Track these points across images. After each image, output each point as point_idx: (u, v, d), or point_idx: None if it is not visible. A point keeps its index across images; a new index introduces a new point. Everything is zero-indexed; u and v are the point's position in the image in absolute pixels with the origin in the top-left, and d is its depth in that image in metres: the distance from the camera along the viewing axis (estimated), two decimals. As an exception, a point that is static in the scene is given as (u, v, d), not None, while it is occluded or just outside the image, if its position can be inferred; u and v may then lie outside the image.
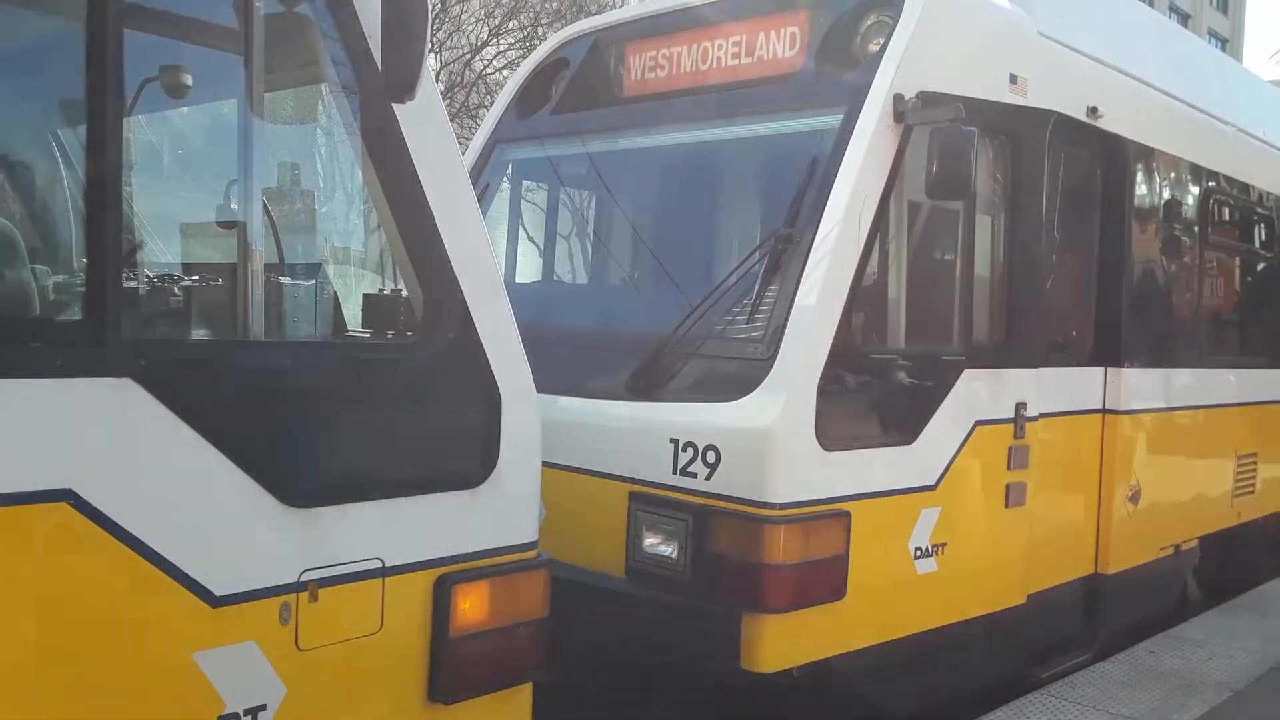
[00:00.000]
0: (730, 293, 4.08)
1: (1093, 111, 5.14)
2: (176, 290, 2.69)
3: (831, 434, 3.84)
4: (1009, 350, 4.65)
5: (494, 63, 21.98)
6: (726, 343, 4.03)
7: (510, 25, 22.13)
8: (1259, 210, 7.29)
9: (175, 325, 2.68)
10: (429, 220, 2.72)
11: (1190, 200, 6.27)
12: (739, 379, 3.87)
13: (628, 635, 4.02)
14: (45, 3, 2.85)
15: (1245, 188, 6.98)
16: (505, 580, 2.85)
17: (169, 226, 3.19)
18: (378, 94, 2.61)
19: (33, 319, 2.44)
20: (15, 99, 3.03)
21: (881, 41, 4.23)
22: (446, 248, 2.74)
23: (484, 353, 2.80)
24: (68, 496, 2.09)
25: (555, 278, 5.68)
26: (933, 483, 4.28)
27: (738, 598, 3.75)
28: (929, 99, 4.07)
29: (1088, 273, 5.42)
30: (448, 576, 2.72)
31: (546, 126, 5.33)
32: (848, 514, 3.90)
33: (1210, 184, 6.47)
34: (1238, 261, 7.26)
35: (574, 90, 5.28)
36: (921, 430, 4.22)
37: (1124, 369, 5.40)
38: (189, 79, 3.08)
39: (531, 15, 22.12)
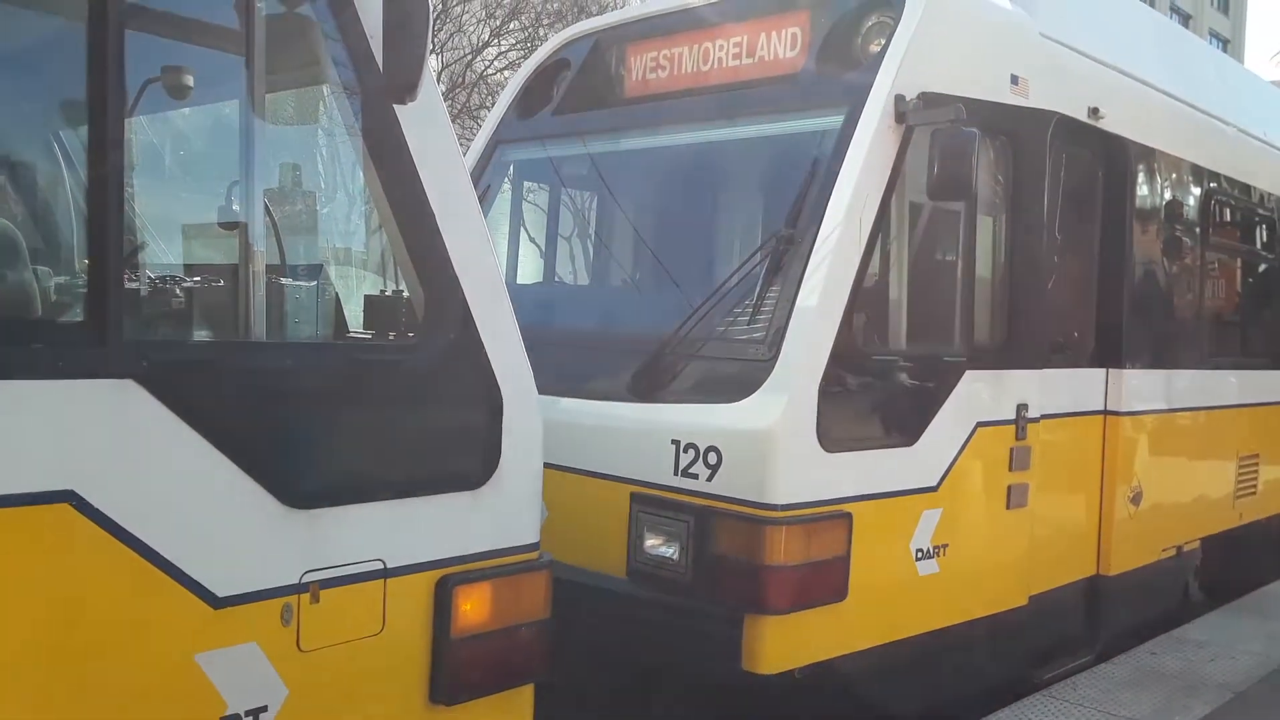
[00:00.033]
0: (731, 294, 4.08)
1: (1094, 112, 5.14)
2: (178, 291, 2.69)
3: (833, 435, 3.84)
4: (1010, 351, 4.65)
5: (495, 63, 22.00)
6: (728, 344, 4.03)
7: (511, 26, 22.15)
8: (1260, 211, 7.29)
9: (177, 326, 2.68)
10: (430, 221, 2.72)
11: (1191, 201, 6.27)
12: (740, 380, 3.86)
13: (629, 636, 4.02)
14: (46, 3, 2.85)
15: (1246, 188, 6.98)
16: (507, 581, 2.85)
17: (171, 227, 3.19)
18: (379, 95, 2.61)
19: (34, 320, 2.44)
20: (17, 99, 3.03)
21: (882, 42, 4.22)
22: (448, 248, 2.74)
23: (485, 354, 2.80)
24: (69, 498, 2.09)
25: (556, 279, 5.68)
26: (934, 484, 4.28)
27: (739, 599, 3.75)
28: (930, 100, 4.07)
29: (1089, 273, 5.42)
30: (449, 578, 2.71)
31: (548, 127, 5.33)
32: (849, 515, 3.89)
33: (1211, 185, 6.47)
34: (1239, 262, 7.26)
35: (575, 91, 5.28)
36: (923, 431, 4.22)
37: (1125, 370, 5.40)
38: (190, 80, 3.08)
39: (533, 16, 22.14)
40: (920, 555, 4.24)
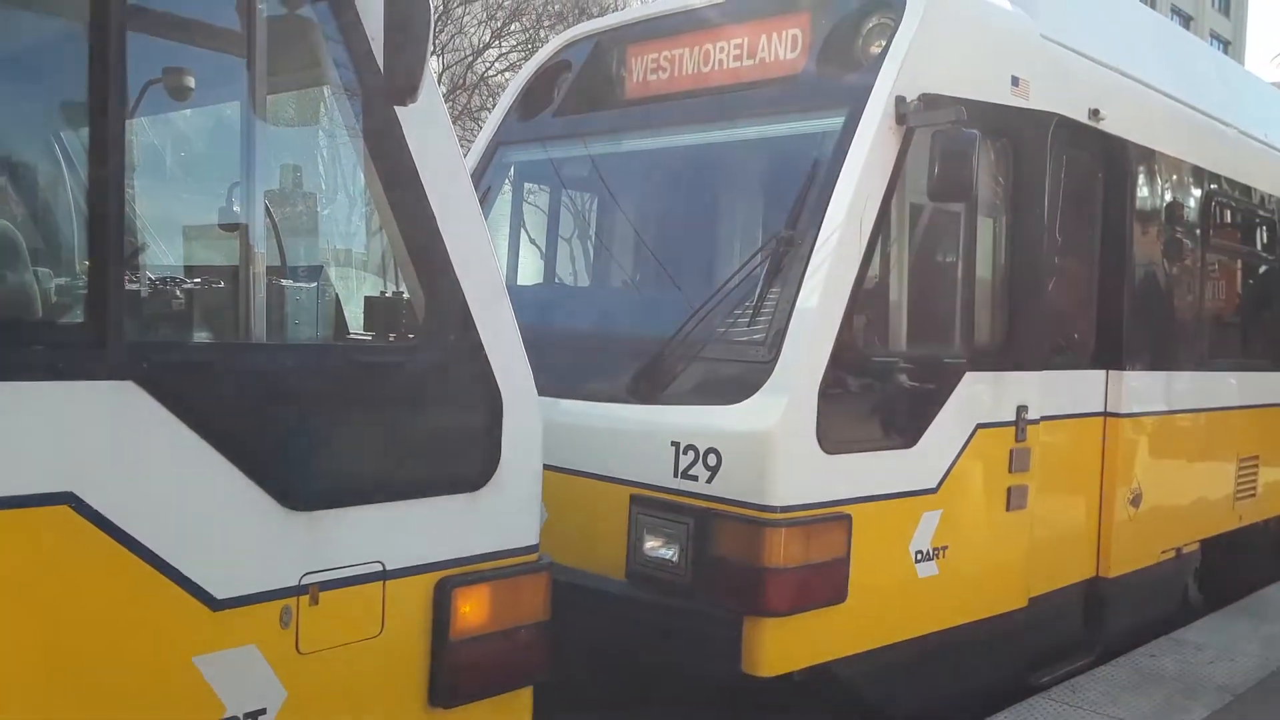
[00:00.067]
0: (732, 295, 4.08)
1: (1094, 114, 5.14)
2: (178, 293, 2.69)
3: (833, 437, 3.84)
4: (1010, 353, 4.65)
5: (496, 65, 22.01)
6: (728, 345, 4.02)
7: (512, 28, 22.16)
8: (1260, 213, 7.29)
9: (177, 328, 2.68)
10: (431, 222, 2.72)
11: (1192, 202, 6.27)
12: (740, 382, 3.86)
13: (628, 638, 4.02)
14: (48, 4, 2.85)
15: (1247, 190, 6.98)
16: (506, 583, 2.85)
17: (171, 229, 3.20)
18: (380, 96, 2.61)
19: (35, 322, 2.44)
20: (18, 100, 3.03)
21: (883, 44, 4.22)
22: (448, 250, 2.74)
23: (485, 355, 2.80)
24: (69, 499, 2.09)
25: (557, 280, 5.67)
26: (934, 486, 4.28)
27: (739, 601, 3.74)
28: (931, 101, 4.07)
29: (1089, 275, 5.42)
30: (449, 580, 2.71)
31: (549, 129, 5.33)
32: (849, 517, 3.89)
33: (1212, 186, 6.47)
34: (1239, 264, 7.25)
35: (576, 92, 5.28)
36: (923, 433, 4.22)
37: (1125, 372, 5.40)
38: (192, 81, 3.08)
39: (533, 18, 22.15)
40: (920, 557, 4.24)
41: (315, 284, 2.93)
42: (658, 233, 5.13)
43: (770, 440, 3.71)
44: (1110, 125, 5.23)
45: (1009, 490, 4.65)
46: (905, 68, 4.08)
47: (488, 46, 22.03)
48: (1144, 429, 5.63)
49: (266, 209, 2.71)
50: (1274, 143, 7.37)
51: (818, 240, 3.91)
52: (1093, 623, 5.42)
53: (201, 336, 2.72)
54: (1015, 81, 4.59)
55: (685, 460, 3.89)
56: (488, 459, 2.81)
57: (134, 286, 2.65)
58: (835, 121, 4.15)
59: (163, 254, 3.21)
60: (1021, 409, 4.67)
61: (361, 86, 2.65)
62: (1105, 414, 5.37)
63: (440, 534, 2.72)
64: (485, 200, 5.28)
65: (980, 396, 4.48)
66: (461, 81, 21.33)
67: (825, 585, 3.84)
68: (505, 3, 22.05)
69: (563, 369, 4.10)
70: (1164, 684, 5.02)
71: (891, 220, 4.13)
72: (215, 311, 2.68)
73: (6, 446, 2.03)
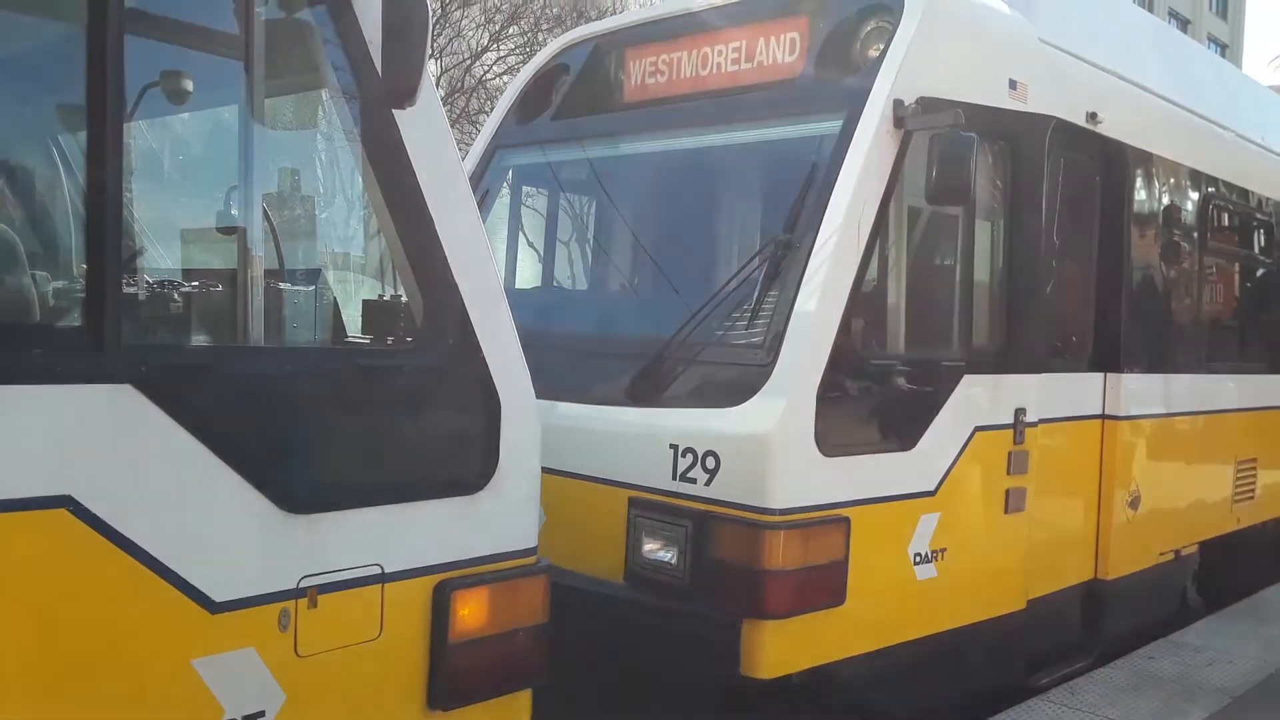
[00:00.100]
0: (730, 298, 4.08)
1: (1092, 117, 5.15)
2: (177, 296, 2.69)
3: (831, 439, 3.84)
4: (1009, 356, 4.65)
5: (494, 68, 22.04)
6: (726, 348, 4.03)
7: (510, 31, 22.20)
8: (1258, 216, 7.30)
9: (175, 331, 2.68)
10: (429, 226, 2.72)
11: (1189, 205, 6.28)
12: (739, 384, 3.87)
13: (627, 641, 4.02)
14: (47, 7, 2.85)
15: (1244, 193, 6.99)
16: (505, 586, 2.85)
17: (169, 232, 3.20)
18: (378, 100, 2.61)
19: (33, 325, 2.44)
20: (16, 104, 3.03)
21: (881, 47, 4.23)
22: (446, 253, 2.74)
23: (484, 358, 2.80)
24: (67, 503, 2.09)
25: (555, 283, 5.68)
26: (932, 488, 4.28)
27: (737, 603, 3.74)
28: (929, 104, 4.08)
29: (1087, 278, 5.43)
30: (447, 583, 2.71)
31: (547, 132, 5.33)
32: (847, 520, 3.89)
33: (1209, 189, 6.48)
34: (1237, 267, 7.27)
35: (574, 96, 5.29)
36: (921, 436, 4.22)
37: (1123, 374, 5.40)
38: (190, 84, 3.08)
39: (532, 21, 22.18)
40: (918, 559, 4.24)
41: (313, 287, 2.93)
42: (656, 236, 5.13)
43: (769, 443, 3.72)
44: (1108, 128, 5.24)
45: (1007, 492, 4.65)
46: (903, 71, 4.09)
47: (486, 50, 22.06)
48: (1142, 431, 5.64)
49: (264, 212, 2.71)
50: (1271, 146, 7.39)
51: (816, 243, 3.91)
52: (1091, 625, 5.43)
53: (199, 340, 2.72)
54: (1013, 85, 4.60)
55: (684, 463, 3.89)
56: (486, 462, 2.82)
57: (132, 290, 2.65)
58: (833, 125, 4.16)
59: (161, 257, 3.20)
60: (1020, 411, 4.67)
61: (359, 90, 2.65)
62: (1103, 416, 5.37)
63: (439, 537, 2.72)
64: (483, 203, 5.28)
65: (978, 399, 4.49)
66: (460, 85, 21.35)
67: (824, 588, 3.84)
68: (503, 6, 22.08)
69: (561, 372, 4.10)
70: (1162, 686, 5.02)
71: (890, 223, 4.13)
72: (213, 315, 2.68)
73: (5, 449, 2.03)
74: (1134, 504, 5.54)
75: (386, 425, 2.66)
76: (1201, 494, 6.36)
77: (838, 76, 4.33)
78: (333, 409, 2.57)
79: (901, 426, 4.19)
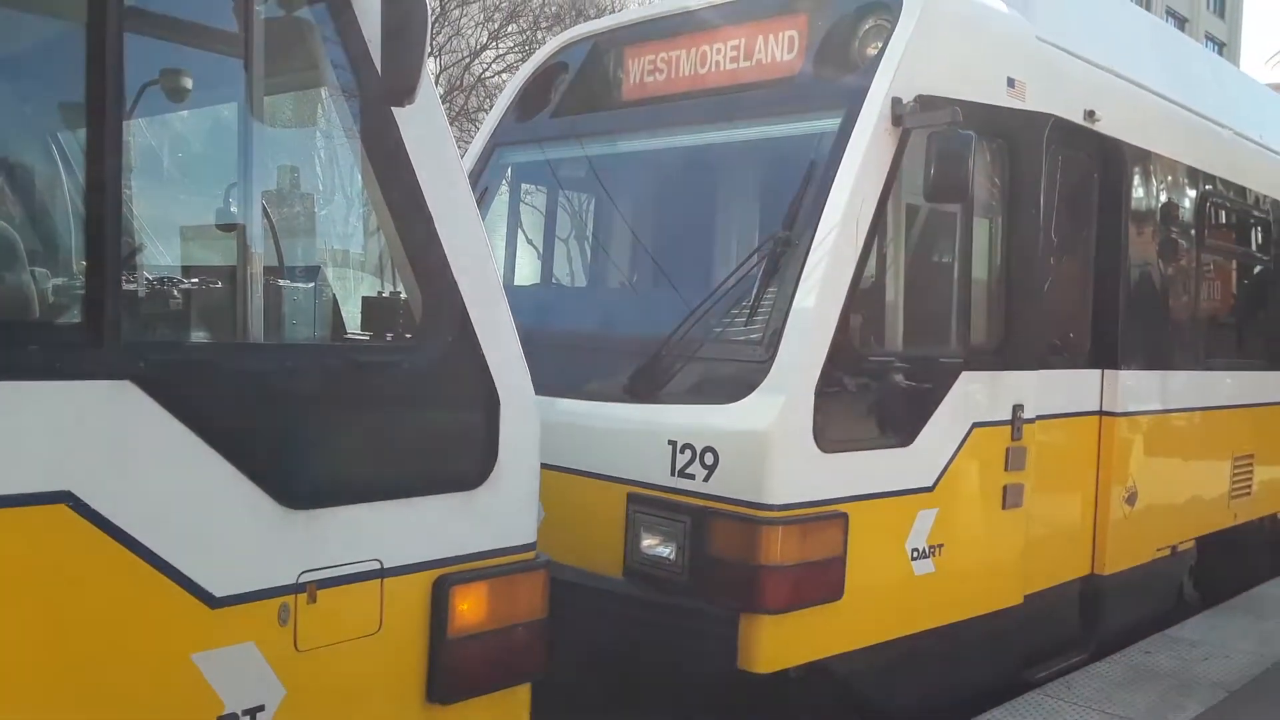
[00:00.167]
0: (729, 295, 4.09)
1: (1090, 115, 5.16)
2: (176, 293, 2.70)
3: (829, 436, 3.85)
4: (1006, 352, 4.67)
5: (493, 66, 22.03)
6: (725, 345, 4.04)
7: (509, 29, 22.18)
8: (1255, 213, 7.31)
9: (175, 328, 2.69)
10: (428, 223, 2.73)
11: (1187, 203, 6.29)
12: (737, 381, 3.88)
13: (625, 636, 4.03)
14: (46, 5, 2.86)
15: (1241, 191, 7.00)
16: (503, 581, 2.86)
17: (169, 229, 3.20)
18: (377, 98, 2.62)
19: (33, 322, 2.44)
20: (16, 101, 3.04)
21: (880, 45, 4.24)
22: (445, 250, 2.75)
23: (483, 355, 2.81)
24: (67, 498, 2.10)
25: (554, 280, 5.69)
26: (930, 484, 4.29)
27: (735, 599, 3.76)
28: (927, 102, 4.09)
29: (1085, 275, 5.44)
30: (446, 578, 2.72)
31: (545, 130, 5.34)
32: (845, 515, 3.91)
33: (1207, 187, 6.49)
34: (1234, 264, 7.28)
35: (573, 94, 5.29)
36: (919, 432, 4.23)
37: (1121, 371, 5.42)
38: (189, 82, 3.09)
39: (530, 19, 22.17)
40: (916, 555, 4.25)
41: (312, 284, 2.94)
42: (655, 233, 5.14)
43: (767, 439, 3.73)
44: (1106, 126, 5.25)
45: (1005, 489, 4.66)
46: (901, 69, 4.10)
47: (485, 48, 22.05)
48: (1139, 428, 5.65)
49: (264, 209, 2.72)
50: (1268, 144, 7.40)
51: (814, 240, 3.92)
52: (1088, 620, 5.44)
53: (199, 336, 2.73)
54: (1011, 83, 4.61)
55: (682, 459, 3.91)
56: (485, 458, 2.82)
57: (131, 287, 2.65)
58: (832, 123, 4.17)
59: (160, 254, 3.21)
60: (1017, 408, 4.68)
61: (359, 88, 2.66)
62: (1101, 413, 5.39)
63: (438, 532, 2.73)
64: (482, 201, 5.29)
65: (976, 395, 4.50)
66: (459, 83, 21.34)
67: (822, 583, 3.86)
68: (502, 4, 22.06)
69: (560, 368, 4.11)
70: (1159, 680, 5.04)
71: (888, 221, 4.14)
72: (213, 311, 2.69)
73: (5, 446, 2.04)
74: (1131, 500, 5.56)
75: (386, 421, 2.67)
76: (1198, 490, 6.38)
77: (836, 74, 4.34)
78: (332, 405, 2.58)
79: (899, 423, 4.20)
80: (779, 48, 4.58)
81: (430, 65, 2.84)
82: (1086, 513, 5.36)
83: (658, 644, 3.96)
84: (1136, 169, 5.61)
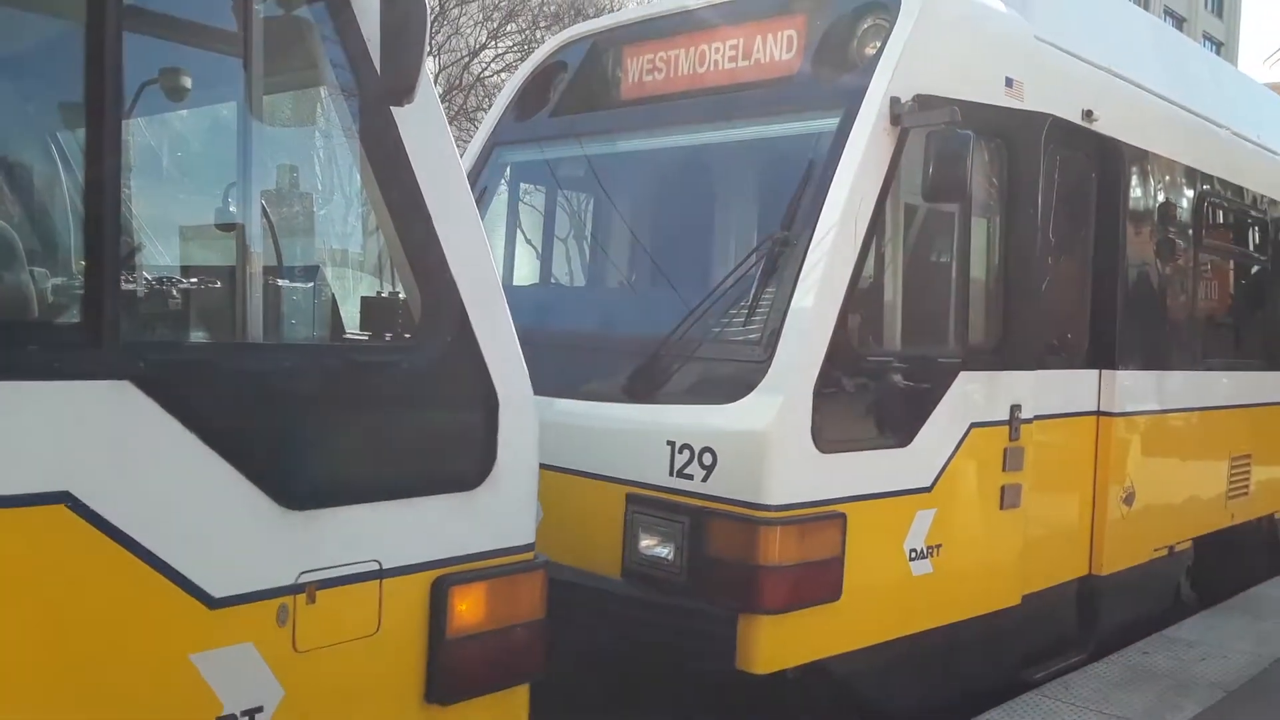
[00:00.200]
0: (727, 295, 4.09)
1: (1088, 115, 5.16)
2: (175, 293, 2.69)
3: (827, 436, 3.86)
4: (1004, 353, 4.67)
5: (492, 66, 22.02)
6: (723, 345, 4.04)
7: (508, 28, 22.17)
8: (1253, 213, 7.32)
9: (173, 328, 2.69)
10: (427, 223, 2.73)
11: (1185, 203, 6.29)
12: (735, 381, 3.88)
13: (624, 636, 4.03)
14: (45, 5, 2.85)
15: (1239, 191, 7.01)
16: (502, 582, 2.86)
17: (168, 229, 3.20)
18: (376, 97, 2.62)
19: (31, 322, 2.44)
20: (15, 101, 3.03)
21: (878, 45, 4.24)
22: (444, 250, 2.75)
23: (481, 355, 2.81)
24: (65, 499, 2.10)
25: (553, 280, 5.69)
26: (928, 485, 4.30)
27: (734, 599, 3.76)
28: (925, 102, 4.09)
29: (1083, 275, 5.44)
30: (445, 578, 2.72)
31: (545, 129, 5.34)
32: (843, 516, 3.91)
33: (1205, 187, 6.50)
34: (1232, 264, 7.29)
35: (572, 93, 5.29)
36: (917, 432, 4.24)
37: (1118, 371, 5.42)
38: (188, 82, 3.09)
39: (529, 18, 22.17)
40: (914, 555, 4.25)
41: (311, 284, 2.94)
42: (654, 233, 5.14)
43: (765, 439, 3.73)
44: (1104, 126, 5.25)
45: (1003, 489, 4.67)
46: (900, 69, 4.10)
47: (484, 47, 22.04)
48: (1137, 428, 5.66)
49: (263, 209, 2.72)
50: (1267, 144, 7.41)
51: (813, 240, 3.93)
52: (1086, 620, 5.45)
53: (198, 336, 2.73)
54: (1009, 83, 4.61)
55: (681, 459, 3.91)
56: (484, 458, 2.82)
57: (130, 286, 2.65)
58: (830, 122, 4.17)
59: (159, 254, 3.21)
60: (1015, 408, 4.69)
61: (358, 87, 2.65)
62: (1098, 413, 5.39)
63: (436, 533, 2.73)
64: (481, 200, 5.28)
65: (974, 396, 4.50)
66: (458, 82, 21.33)
67: (820, 583, 3.86)
68: (501, 3, 22.05)
69: (559, 368, 4.11)
70: (1156, 681, 5.05)
71: (886, 220, 4.15)
72: (211, 311, 2.69)
73: (3, 446, 2.03)
74: (1129, 500, 5.56)
75: (385, 421, 2.67)
76: (1196, 490, 6.39)
77: (834, 74, 4.34)
78: (331, 405, 2.58)
79: (898, 423, 4.20)
80: (777, 47, 4.59)
81: (429, 64, 2.84)
82: (1084, 513, 5.37)
83: (656, 644, 3.97)
84: (1135, 169, 5.61)
